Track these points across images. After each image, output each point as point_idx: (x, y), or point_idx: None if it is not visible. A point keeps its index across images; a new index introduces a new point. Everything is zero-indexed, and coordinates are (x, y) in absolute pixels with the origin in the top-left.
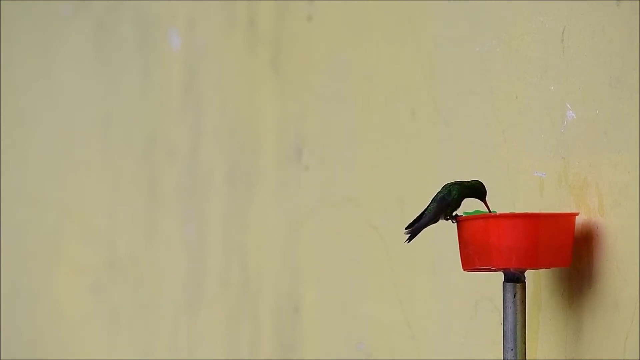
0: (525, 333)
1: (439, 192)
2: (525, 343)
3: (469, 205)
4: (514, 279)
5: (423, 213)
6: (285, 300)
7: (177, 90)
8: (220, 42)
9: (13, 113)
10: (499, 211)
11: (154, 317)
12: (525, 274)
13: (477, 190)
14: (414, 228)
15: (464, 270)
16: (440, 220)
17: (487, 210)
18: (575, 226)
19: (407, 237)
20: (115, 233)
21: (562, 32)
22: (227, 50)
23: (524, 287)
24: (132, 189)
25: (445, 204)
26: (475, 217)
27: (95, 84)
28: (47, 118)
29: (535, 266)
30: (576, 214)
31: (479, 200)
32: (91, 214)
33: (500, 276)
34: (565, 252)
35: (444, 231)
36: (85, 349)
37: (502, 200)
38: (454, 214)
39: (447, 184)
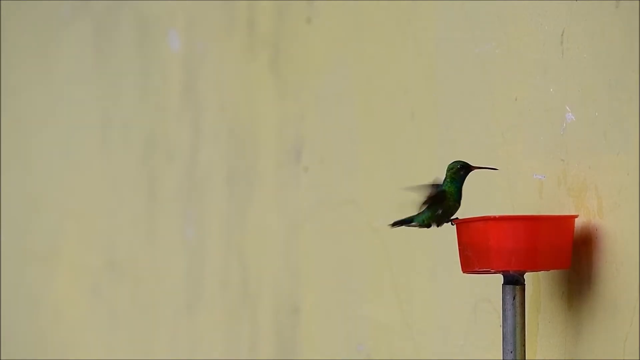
0: (524, 335)
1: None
2: (524, 345)
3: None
4: (514, 281)
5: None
6: (284, 301)
7: (176, 91)
8: (219, 44)
9: (13, 113)
10: (498, 213)
11: (154, 317)
12: (524, 276)
13: (458, 173)
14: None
15: (464, 272)
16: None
17: (489, 168)
18: (575, 228)
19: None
20: (115, 234)
21: (562, 34)
22: (227, 52)
23: (523, 290)
24: (131, 190)
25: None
26: (474, 219)
27: (94, 85)
28: (47, 118)
29: (535, 268)
30: (575, 216)
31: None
32: (91, 214)
33: (499, 278)
34: (565, 255)
35: (444, 233)
36: (85, 349)
37: (501, 202)
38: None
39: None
